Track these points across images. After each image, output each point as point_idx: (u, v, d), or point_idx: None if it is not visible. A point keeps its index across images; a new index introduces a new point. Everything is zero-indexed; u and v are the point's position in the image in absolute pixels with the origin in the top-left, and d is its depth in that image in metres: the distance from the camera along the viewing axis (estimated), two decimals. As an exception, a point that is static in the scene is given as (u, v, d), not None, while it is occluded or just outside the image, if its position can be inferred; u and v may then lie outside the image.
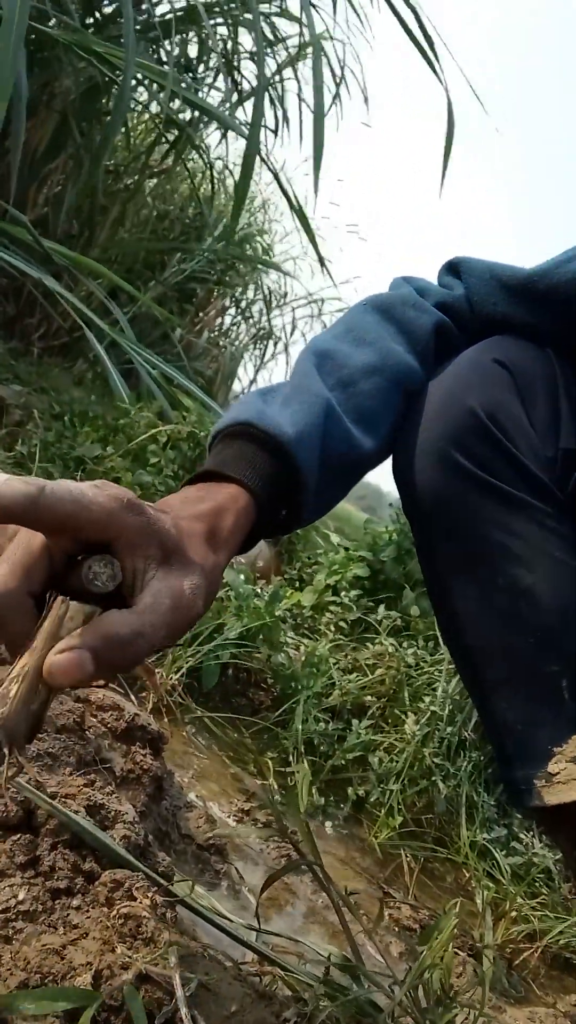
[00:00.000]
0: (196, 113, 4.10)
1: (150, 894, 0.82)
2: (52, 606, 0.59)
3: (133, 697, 1.49)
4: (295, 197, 3.42)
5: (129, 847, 0.92)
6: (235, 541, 0.72)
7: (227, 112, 3.63)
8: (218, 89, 4.31)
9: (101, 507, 0.59)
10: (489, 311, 0.99)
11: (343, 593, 2.22)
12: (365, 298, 1.01)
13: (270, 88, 4.14)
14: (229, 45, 4.12)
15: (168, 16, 3.59)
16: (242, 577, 1.99)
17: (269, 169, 3.64)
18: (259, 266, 5.83)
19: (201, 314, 5.60)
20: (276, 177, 3.54)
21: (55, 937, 0.73)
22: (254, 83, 4.13)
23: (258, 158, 3.14)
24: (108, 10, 3.67)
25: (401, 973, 1.09)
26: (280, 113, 4.34)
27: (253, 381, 6.49)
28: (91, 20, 3.63)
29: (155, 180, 4.80)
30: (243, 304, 6.21)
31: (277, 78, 4.25)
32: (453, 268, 1.05)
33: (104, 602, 0.61)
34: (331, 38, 4.06)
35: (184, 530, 0.66)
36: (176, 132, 4.01)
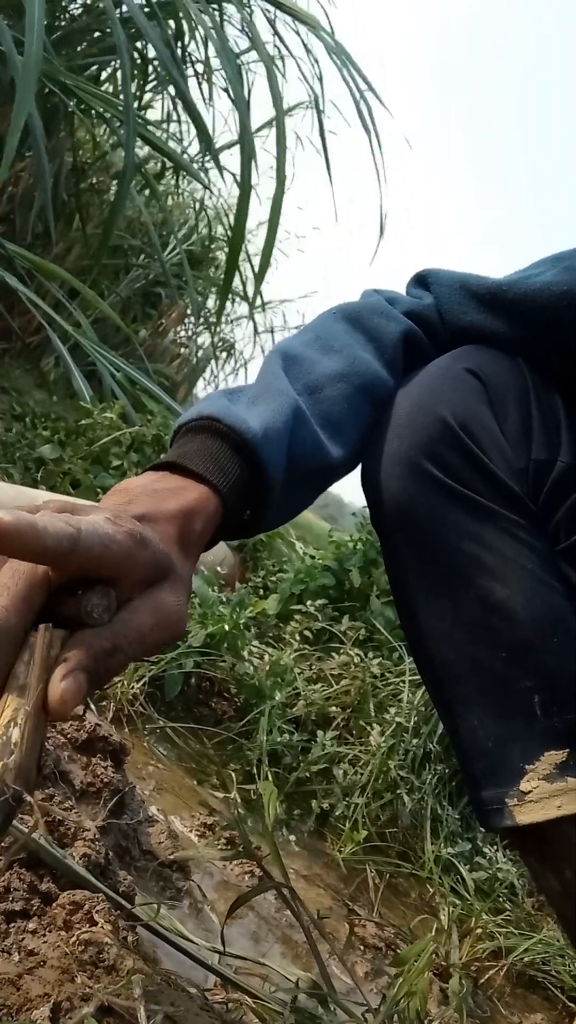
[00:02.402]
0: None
1: (111, 917, 0.79)
2: (38, 637, 0.55)
3: (93, 706, 1.45)
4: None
5: (89, 866, 0.89)
6: (202, 546, 0.70)
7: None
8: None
9: (120, 546, 0.57)
10: (459, 320, 0.97)
11: (308, 602, 2.19)
12: (334, 306, 0.99)
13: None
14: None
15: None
16: (207, 584, 1.96)
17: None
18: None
19: (163, 319, 5.55)
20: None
21: (10, 965, 0.70)
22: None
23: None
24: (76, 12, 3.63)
25: (368, 994, 1.07)
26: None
27: (213, 386, 6.48)
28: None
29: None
30: (203, 313, 6.16)
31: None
32: (421, 280, 1.03)
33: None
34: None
35: (164, 537, 0.63)
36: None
